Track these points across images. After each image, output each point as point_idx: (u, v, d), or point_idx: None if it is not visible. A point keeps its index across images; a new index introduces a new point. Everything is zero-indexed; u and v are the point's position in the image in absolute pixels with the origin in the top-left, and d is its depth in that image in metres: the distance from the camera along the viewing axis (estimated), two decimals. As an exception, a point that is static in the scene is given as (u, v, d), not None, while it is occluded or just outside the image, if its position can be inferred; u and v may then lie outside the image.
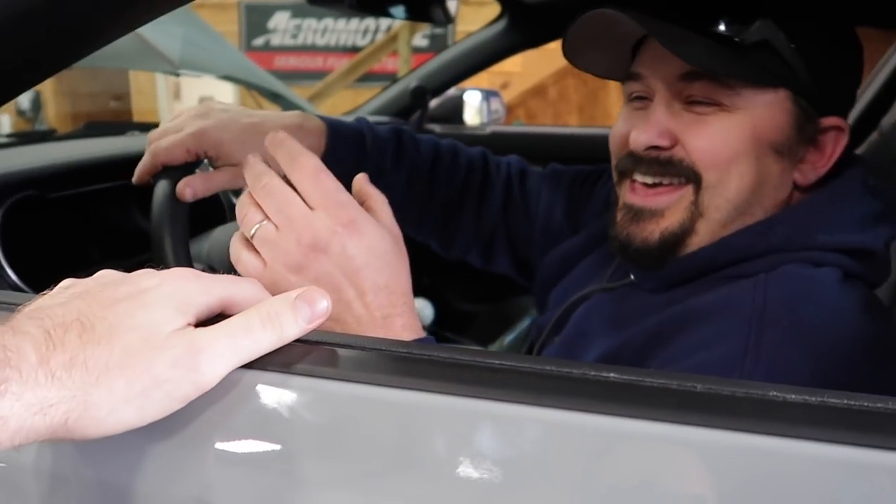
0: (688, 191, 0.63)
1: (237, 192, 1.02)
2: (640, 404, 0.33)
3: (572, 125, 5.52)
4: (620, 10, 0.60)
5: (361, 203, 0.53)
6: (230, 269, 0.82)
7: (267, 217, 0.50)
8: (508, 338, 1.19)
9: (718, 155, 0.61)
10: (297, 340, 0.39)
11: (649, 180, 0.64)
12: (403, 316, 0.51)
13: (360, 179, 0.55)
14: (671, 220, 0.64)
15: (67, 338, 0.33)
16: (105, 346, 0.33)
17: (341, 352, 0.39)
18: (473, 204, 0.92)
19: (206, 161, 0.75)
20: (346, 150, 0.83)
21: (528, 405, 0.34)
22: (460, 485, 0.34)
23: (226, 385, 0.36)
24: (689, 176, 0.62)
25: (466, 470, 0.34)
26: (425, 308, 1.58)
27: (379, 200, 0.55)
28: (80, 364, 0.33)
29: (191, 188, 0.70)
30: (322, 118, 0.83)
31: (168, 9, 0.60)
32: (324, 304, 0.40)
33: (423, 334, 0.52)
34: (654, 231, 0.64)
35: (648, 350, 0.61)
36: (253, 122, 0.75)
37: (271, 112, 0.80)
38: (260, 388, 0.37)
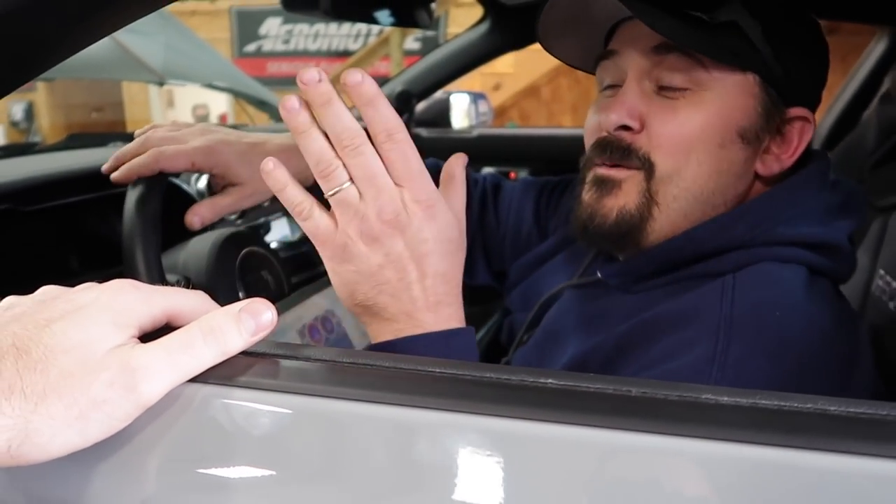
0: (640, 175, 0.63)
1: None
2: (577, 410, 0.33)
3: (566, 125, 5.51)
4: None
5: (444, 179, 0.54)
6: (206, 280, 0.81)
7: (351, 180, 0.48)
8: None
9: (681, 140, 0.61)
10: (241, 352, 0.39)
11: (608, 162, 0.65)
12: (452, 306, 0.52)
13: (458, 157, 0.55)
14: (627, 199, 0.64)
15: (4, 365, 0.33)
16: (41, 372, 0.33)
17: (284, 363, 0.39)
18: None
19: (172, 177, 0.76)
20: None
21: (467, 413, 0.34)
22: (398, 496, 0.34)
23: (166, 399, 0.36)
24: (642, 164, 0.63)
25: (405, 482, 0.34)
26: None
27: (459, 183, 0.54)
28: (18, 391, 0.33)
29: (198, 217, 0.71)
30: None
31: (132, 18, 0.60)
32: (268, 316, 0.40)
33: (464, 324, 0.53)
34: (612, 208, 0.64)
35: (619, 356, 0.61)
36: (255, 141, 0.76)
37: (272, 134, 0.81)
38: (201, 401, 0.37)
